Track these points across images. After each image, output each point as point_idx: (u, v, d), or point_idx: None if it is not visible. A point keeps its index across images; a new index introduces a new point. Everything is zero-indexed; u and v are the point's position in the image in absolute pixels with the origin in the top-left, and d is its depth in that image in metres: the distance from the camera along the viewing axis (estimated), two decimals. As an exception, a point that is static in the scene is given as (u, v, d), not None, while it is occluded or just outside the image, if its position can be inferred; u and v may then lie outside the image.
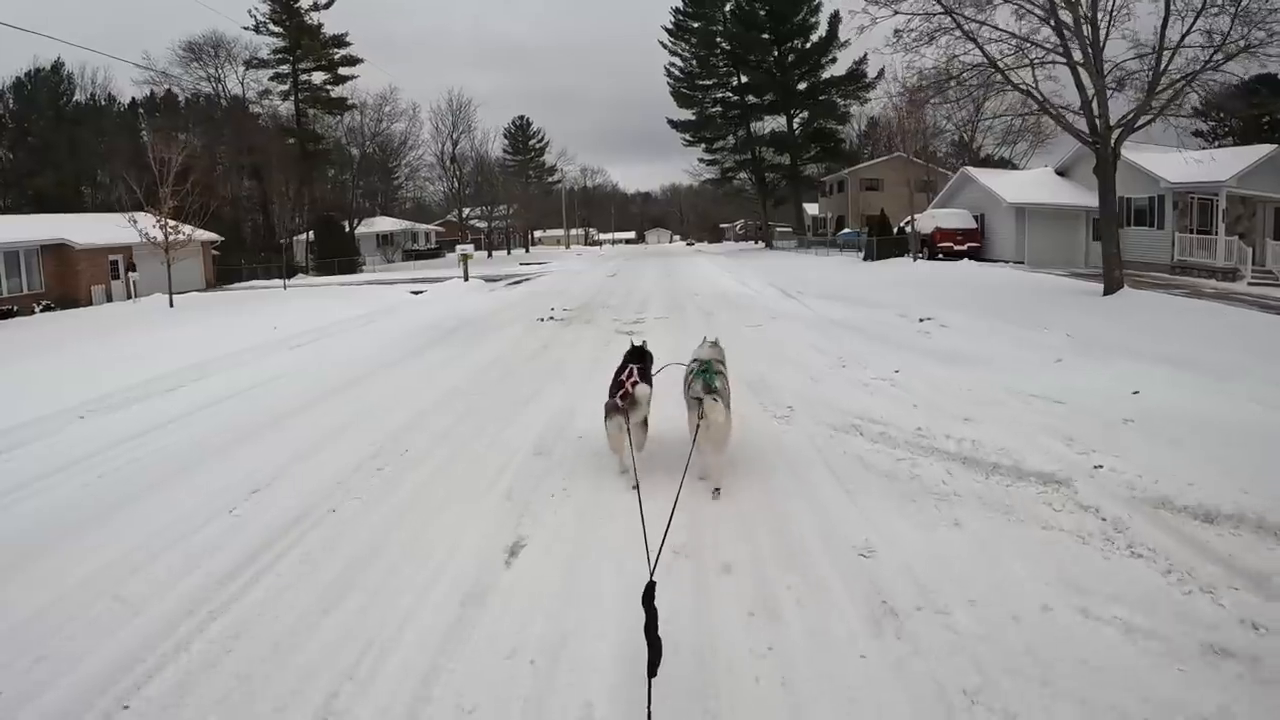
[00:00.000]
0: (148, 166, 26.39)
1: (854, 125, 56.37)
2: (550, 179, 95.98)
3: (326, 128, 52.75)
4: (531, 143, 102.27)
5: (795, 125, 52.79)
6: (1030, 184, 30.13)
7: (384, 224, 59.68)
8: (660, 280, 23.15)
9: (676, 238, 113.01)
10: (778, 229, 79.78)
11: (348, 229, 51.23)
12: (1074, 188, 29.53)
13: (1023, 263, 28.00)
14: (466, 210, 58.75)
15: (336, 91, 52.28)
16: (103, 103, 67.14)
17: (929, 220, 31.08)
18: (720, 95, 53.81)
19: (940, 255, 29.63)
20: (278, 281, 41.36)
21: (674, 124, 53.91)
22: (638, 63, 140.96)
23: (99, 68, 61.35)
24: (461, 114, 53.29)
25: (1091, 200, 29.04)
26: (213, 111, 52.99)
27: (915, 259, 27.33)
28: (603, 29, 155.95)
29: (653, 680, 2.34)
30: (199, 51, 52.05)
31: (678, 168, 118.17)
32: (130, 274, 32.13)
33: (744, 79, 52.88)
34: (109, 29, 76.89)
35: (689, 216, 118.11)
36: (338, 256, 47.96)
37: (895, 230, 31.48)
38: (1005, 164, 48.26)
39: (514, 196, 64.86)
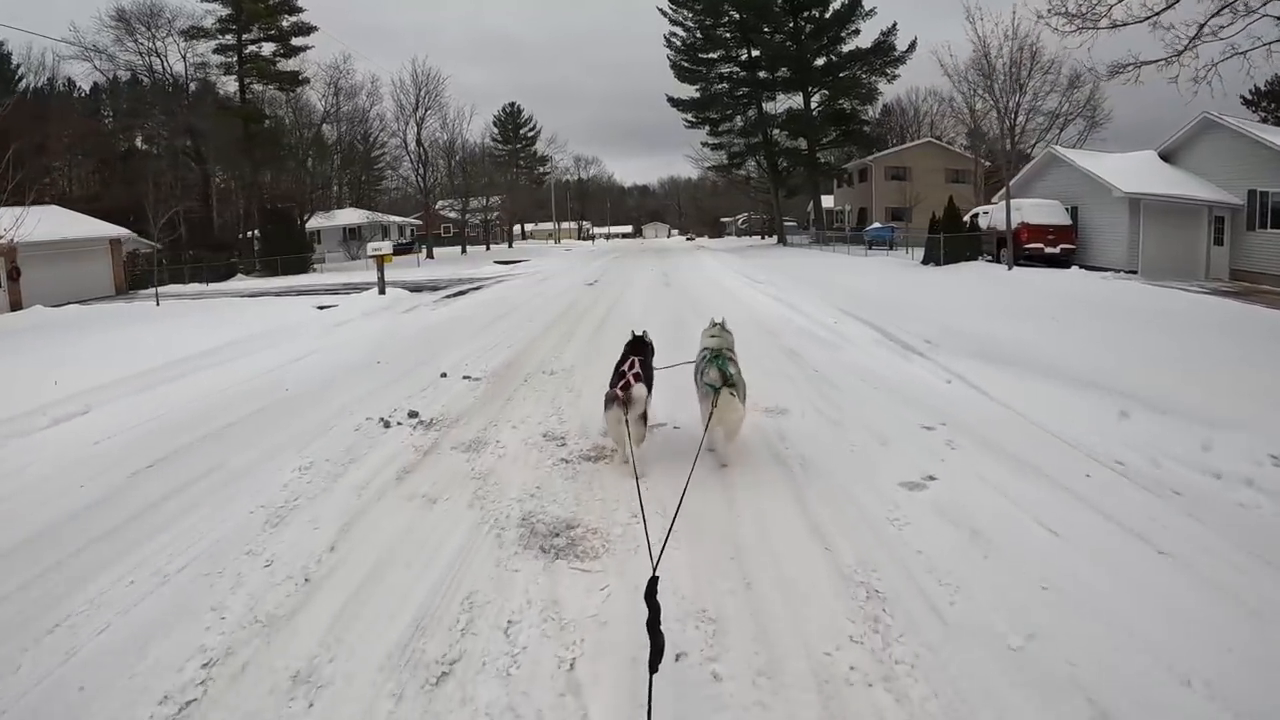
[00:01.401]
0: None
1: (871, 108, 48.04)
2: (541, 169, 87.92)
3: (275, 105, 44.58)
4: (522, 131, 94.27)
5: (814, 104, 44.69)
6: (1138, 171, 22.24)
7: (349, 216, 51.61)
8: (657, 293, 15.66)
9: (674, 232, 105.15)
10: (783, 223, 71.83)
11: (301, 222, 43.21)
12: (1186, 177, 21.85)
13: (1135, 272, 20.36)
14: (434, 200, 50.34)
15: (288, 65, 44.12)
16: (61, 88, 59.35)
17: (1008, 213, 23.30)
18: (727, 70, 45.57)
19: (1024, 259, 22.00)
20: (195, 286, 33.49)
21: (674, 102, 45.60)
22: (635, 54, 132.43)
23: (45, 49, 52.95)
24: (427, 87, 44.54)
25: (1210, 193, 21.45)
26: (180, 95, 44.50)
27: (1011, 265, 19.53)
28: (598, 20, 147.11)
29: (654, 676, 2.15)
30: (130, 21, 43.81)
31: (676, 160, 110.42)
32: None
33: (754, 52, 44.75)
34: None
35: (687, 210, 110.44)
36: (286, 254, 40.03)
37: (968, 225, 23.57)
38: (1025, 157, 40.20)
39: (497, 187, 56.75)
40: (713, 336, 5.18)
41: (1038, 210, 22.55)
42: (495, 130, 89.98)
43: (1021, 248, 22.09)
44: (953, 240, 21.94)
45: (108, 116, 57.05)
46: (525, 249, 55.28)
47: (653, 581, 2.41)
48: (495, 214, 61.94)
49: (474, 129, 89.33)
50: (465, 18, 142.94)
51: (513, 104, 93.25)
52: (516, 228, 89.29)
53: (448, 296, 17.78)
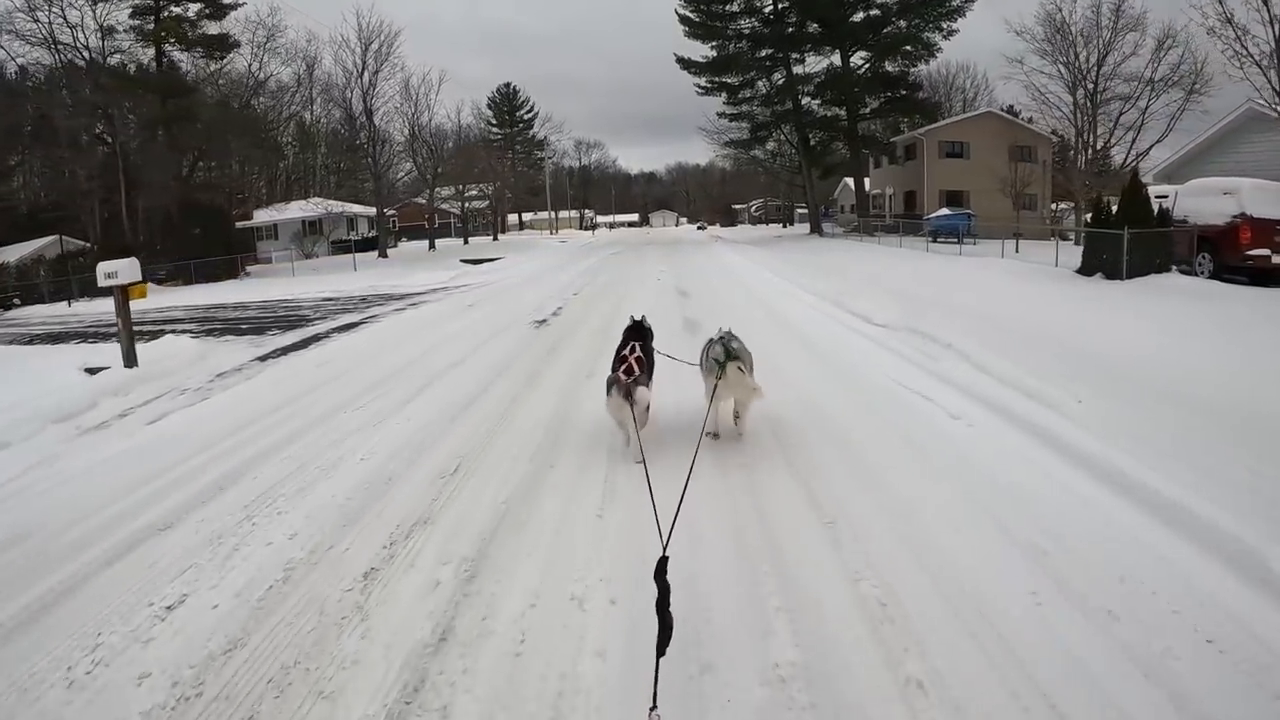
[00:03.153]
0: None
1: (924, 67, 38.51)
2: (539, 154, 79.26)
3: (204, 78, 36.02)
4: (519, 114, 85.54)
5: (855, 66, 35.67)
6: None
7: (307, 208, 43.10)
8: (671, 345, 7.11)
9: (683, 220, 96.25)
10: (798, 210, 62.79)
11: (231, 217, 34.89)
12: None
13: None
14: (391, 186, 41.29)
15: (215, 28, 35.46)
16: (12, 75, 51.26)
17: (1210, 198, 14.66)
18: (748, 25, 36.42)
19: (1230, 269, 13.65)
20: (60, 307, 25.27)
21: (685, 63, 36.36)
22: (639, 41, 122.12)
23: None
24: (377, 42, 35.06)
25: None
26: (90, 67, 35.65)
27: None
28: (600, 6, 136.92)
29: (661, 659, 1.99)
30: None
31: (684, 147, 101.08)
32: None
33: (781, 3, 35.69)
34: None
35: (696, 198, 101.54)
36: (211, 256, 31.78)
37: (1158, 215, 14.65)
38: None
39: (480, 174, 48.12)
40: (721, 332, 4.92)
41: (1264, 197, 13.90)
42: (490, 113, 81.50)
43: (1240, 252, 13.58)
44: (1140, 241, 13.26)
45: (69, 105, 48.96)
46: (513, 242, 46.71)
47: (662, 561, 2.27)
48: (484, 202, 53.42)
49: (446, 102, 78.28)
50: (465, 7, 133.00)
51: (508, 84, 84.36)
52: (513, 217, 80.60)
53: (266, 356, 9.28)
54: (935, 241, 27.79)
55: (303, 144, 63.59)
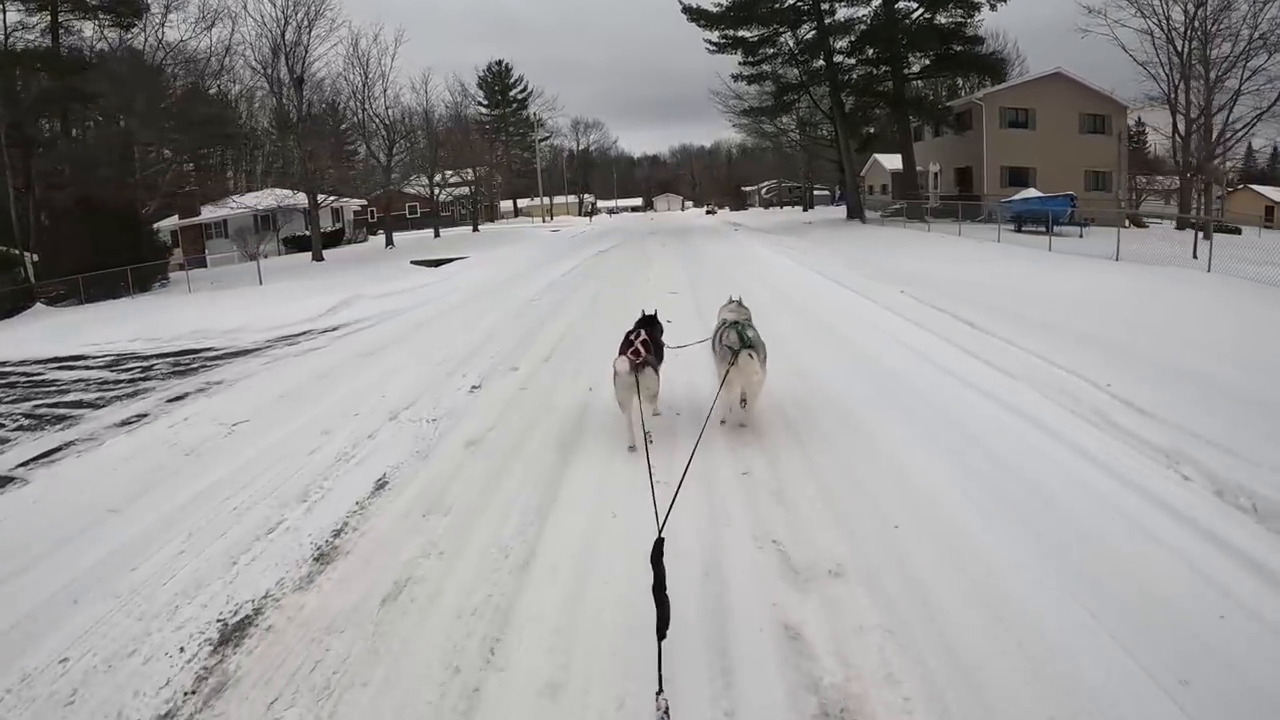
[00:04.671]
0: None
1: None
2: (533, 135, 72.20)
3: (108, 51, 29.19)
4: (512, 93, 78.25)
5: (904, 14, 28.42)
6: None
7: (251, 202, 36.43)
8: None
9: (689, 204, 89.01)
10: (815, 191, 55.51)
11: (142, 215, 28.23)
12: None
13: None
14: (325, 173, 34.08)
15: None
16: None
17: None
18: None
19: None
20: None
21: (693, 14, 28.81)
22: (640, 21, 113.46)
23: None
24: None
25: None
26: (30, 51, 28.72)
27: None
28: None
29: (662, 643, 1.99)
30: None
31: (688, 130, 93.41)
32: None
33: (807, -63, 28.37)
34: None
35: (701, 180, 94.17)
36: (111, 267, 25.27)
37: None
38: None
39: (459, 158, 41.33)
40: (731, 311, 4.94)
41: None
42: (480, 93, 74.25)
43: None
44: None
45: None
46: (494, 234, 39.91)
47: (658, 543, 2.24)
48: (465, 189, 46.63)
49: (412, 73, 69.76)
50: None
51: (500, 62, 77.02)
52: (508, 204, 73.43)
53: None
54: (1019, 229, 21.23)
55: (280, 130, 56.79)
